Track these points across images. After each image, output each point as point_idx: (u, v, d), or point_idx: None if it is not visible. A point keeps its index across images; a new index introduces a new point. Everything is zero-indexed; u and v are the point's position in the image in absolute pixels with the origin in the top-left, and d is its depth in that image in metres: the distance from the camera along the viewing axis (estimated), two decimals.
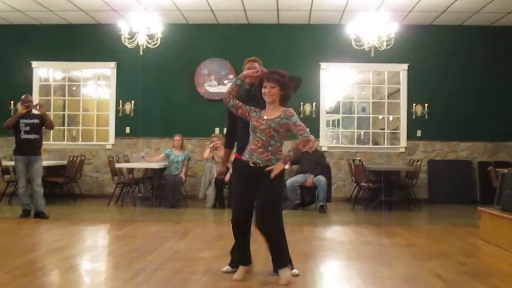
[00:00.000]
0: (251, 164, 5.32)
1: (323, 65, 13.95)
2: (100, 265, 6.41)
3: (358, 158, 12.56)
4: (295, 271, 5.64)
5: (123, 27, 11.51)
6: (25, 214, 10.01)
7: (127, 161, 13.58)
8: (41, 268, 6.13)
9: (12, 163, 11.09)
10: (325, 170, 12.12)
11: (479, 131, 13.80)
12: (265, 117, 5.37)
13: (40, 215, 9.88)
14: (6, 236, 8.26)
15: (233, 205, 5.60)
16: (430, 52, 13.89)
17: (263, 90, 5.40)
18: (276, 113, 5.39)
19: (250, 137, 5.40)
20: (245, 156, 5.38)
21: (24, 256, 6.57)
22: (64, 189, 12.90)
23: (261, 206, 5.28)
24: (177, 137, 12.62)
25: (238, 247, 5.58)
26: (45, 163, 11.23)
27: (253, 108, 5.45)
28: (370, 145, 14.67)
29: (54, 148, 14.23)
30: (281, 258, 5.39)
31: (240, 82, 5.57)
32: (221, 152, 12.06)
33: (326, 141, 14.25)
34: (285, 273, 5.29)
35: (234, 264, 5.66)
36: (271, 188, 5.29)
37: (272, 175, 5.20)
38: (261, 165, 5.30)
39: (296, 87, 5.74)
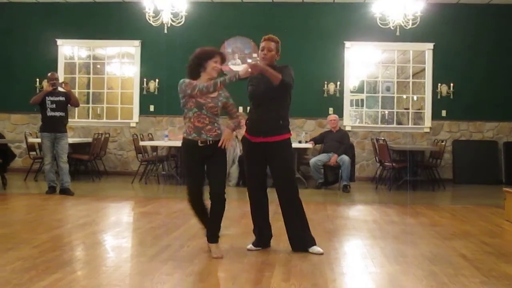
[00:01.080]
0: (200, 144, 5.45)
1: (347, 44, 13.87)
2: (125, 241, 6.47)
3: (382, 138, 12.50)
4: (319, 249, 5.67)
5: (148, 5, 11.52)
6: (51, 190, 10.12)
7: (151, 139, 13.66)
8: (68, 243, 6.21)
9: (38, 140, 11.22)
10: (349, 150, 12.08)
11: (505, 111, 13.67)
12: (210, 95, 5.50)
13: (65, 191, 10.00)
14: (33, 212, 8.37)
15: (186, 184, 5.67)
16: (456, 31, 13.75)
17: (214, 64, 5.52)
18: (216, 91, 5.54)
19: (191, 113, 5.47)
20: (191, 135, 5.47)
21: (51, 231, 6.66)
22: (89, 166, 13.05)
23: (220, 180, 5.49)
24: None
25: (201, 224, 5.71)
26: (70, 140, 11.33)
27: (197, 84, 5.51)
28: (394, 125, 14.61)
29: (79, 126, 14.36)
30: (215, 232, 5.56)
31: (235, 80, 5.48)
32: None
33: (350, 120, 14.19)
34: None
35: (258, 243, 5.71)
36: (222, 162, 5.59)
37: (226, 144, 5.44)
38: (211, 141, 5.46)
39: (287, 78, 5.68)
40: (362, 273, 5.03)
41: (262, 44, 5.76)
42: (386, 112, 16.06)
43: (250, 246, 5.79)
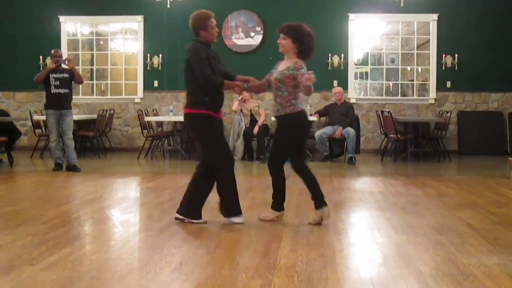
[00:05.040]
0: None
1: (351, 16, 13.75)
2: (133, 216, 6.52)
3: (387, 110, 12.47)
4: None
5: None
6: (58, 167, 10.16)
7: (156, 114, 13.66)
8: (76, 218, 6.27)
9: (43, 117, 11.24)
10: (354, 122, 12.08)
11: (511, 82, 13.56)
12: (279, 69, 5.74)
13: (72, 168, 10.03)
14: (40, 189, 8.43)
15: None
16: (460, 1, 13.61)
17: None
18: (287, 64, 5.70)
19: None
20: None
21: (59, 208, 6.71)
22: (95, 142, 13.05)
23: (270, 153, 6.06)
24: None
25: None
26: (75, 117, 11.32)
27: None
28: (399, 97, 14.58)
29: (84, 103, 14.35)
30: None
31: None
32: (249, 104, 12.08)
33: (354, 93, 14.15)
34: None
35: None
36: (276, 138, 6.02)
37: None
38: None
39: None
40: (369, 244, 5.06)
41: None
42: (391, 84, 16.01)
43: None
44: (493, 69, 13.55)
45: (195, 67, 5.50)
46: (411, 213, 6.44)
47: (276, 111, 5.74)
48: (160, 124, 13.11)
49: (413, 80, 15.08)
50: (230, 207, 5.68)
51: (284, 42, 5.68)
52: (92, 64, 15.19)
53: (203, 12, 5.70)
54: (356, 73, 14.84)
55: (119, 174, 10.12)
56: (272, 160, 5.83)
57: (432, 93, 13.84)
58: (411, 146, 11.90)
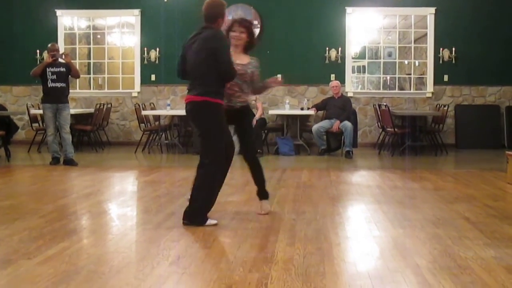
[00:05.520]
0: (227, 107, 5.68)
1: (348, 9, 13.74)
2: (130, 210, 6.52)
3: (384, 104, 12.47)
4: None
5: None
6: (55, 161, 10.15)
7: (153, 108, 13.66)
8: (74, 212, 6.26)
9: (40, 111, 11.23)
10: (351, 116, 12.07)
11: (508, 76, 13.57)
12: (238, 62, 5.66)
13: (69, 162, 10.02)
14: (38, 183, 8.42)
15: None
16: None
17: (232, 33, 5.74)
18: (246, 59, 5.80)
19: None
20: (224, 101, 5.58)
21: (56, 202, 6.70)
22: (92, 137, 13.03)
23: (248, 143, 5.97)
24: None
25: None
26: (73, 111, 11.32)
27: None
28: (396, 90, 14.57)
29: (81, 97, 14.32)
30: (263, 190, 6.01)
31: None
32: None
33: (352, 86, 14.14)
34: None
35: None
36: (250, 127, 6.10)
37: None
38: (239, 106, 5.82)
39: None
40: (366, 237, 5.06)
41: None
42: (388, 77, 16.01)
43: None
44: (490, 62, 13.55)
45: (223, 55, 5.29)
46: (408, 207, 6.45)
47: (244, 101, 5.84)
48: (157, 118, 13.09)
49: (410, 74, 15.08)
50: (198, 212, 5.40)
51: (243, 36, 5.75)
52: (89, 58, 15.18)
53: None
54: (353, 67, 14.84)
55: (117, 168, 10.12)
56: (253, 149, 6.06)
57: (430, 87, 13.83)
58: (409, 139, 11.90)
